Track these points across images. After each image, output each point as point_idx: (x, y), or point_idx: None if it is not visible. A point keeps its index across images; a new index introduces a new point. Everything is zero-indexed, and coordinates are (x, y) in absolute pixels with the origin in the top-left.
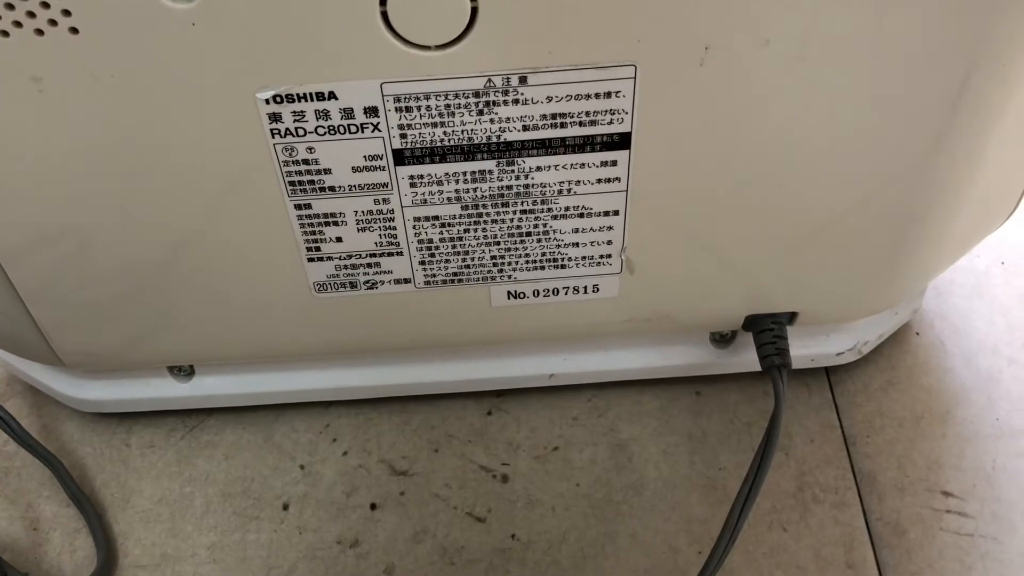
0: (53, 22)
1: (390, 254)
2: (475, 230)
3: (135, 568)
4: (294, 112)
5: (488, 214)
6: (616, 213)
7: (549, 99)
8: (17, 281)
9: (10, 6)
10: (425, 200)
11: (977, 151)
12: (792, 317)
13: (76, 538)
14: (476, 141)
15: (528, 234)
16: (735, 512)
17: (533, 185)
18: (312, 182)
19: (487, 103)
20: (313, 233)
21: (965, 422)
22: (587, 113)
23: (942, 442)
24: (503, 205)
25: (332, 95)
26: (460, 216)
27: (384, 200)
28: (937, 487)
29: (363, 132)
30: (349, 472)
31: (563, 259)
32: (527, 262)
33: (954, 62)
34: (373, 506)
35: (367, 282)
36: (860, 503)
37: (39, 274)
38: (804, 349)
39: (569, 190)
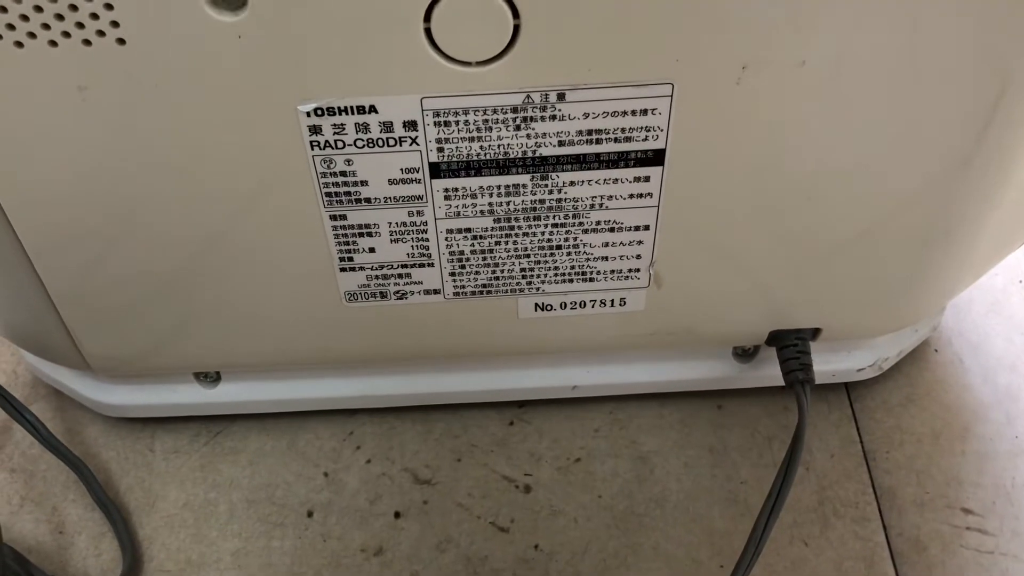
0: (101, 33)
1: (421, 265)
2: (506, 243)
3: (160, 573)
4: (334, 125)
5: (520, 227)
6: (646, 228)
7: (586, 115)
8: (49, 284)
9: (60, 17)
10: (458, 213)
11: (1005, 170)
12: (815, 333)
13: (101, 542)
14: (512, 155)
15: (558, 247)
16: (759, 526)
17: (566, 199)
18: (348, 194)
19: (524, 119)
20: (347, 243)
21: (984, 439)
22: (623, 130)
23: (961, 459)
24: (535, 219)
25: (373, 109)
26: (492, 229)
27: (418, 212)
28: (957, 504)
29: (401, 145)
30: (373, 480)
31: (592, 272)
32: (556, 275)
33: (987, 82)
34: (397, 514)
35: (397, 292)
36: (880, 518)
37: (72, 277)
38: (825, 365)
39: (601, 205)
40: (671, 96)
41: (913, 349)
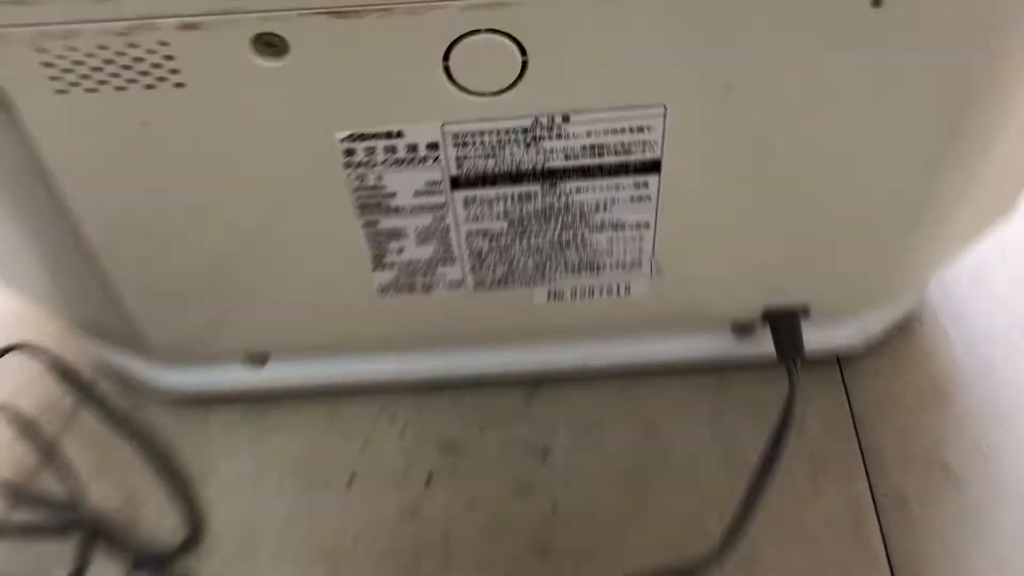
0: (163, 79)
1: (445, 262)
2: (520, 242)
3: (219, 536)
4: (366, 148)
5: (532, 228)
6: (647, 226)
7: (588, 134)
8: (120, 283)
9: (128, 67)
10: (477, 217)
11: (979, 159)
12: (806, 310)
13: (167, 508)
14: (523, 169)
15: (567, 244)
16: (753, 487)
17: (572, 204)
18: (379, 204)
19: (534, 138)
20: (379, 246)
21: (965, 405)
22: (622, 144)
23: (944, 423)
24: (545, 221)
25: (399, 134)
26: (507, 230)
27: (441, 218)
28: (937, 464)
29: (425, 163)
30: (406, 449)
31: (598, 265)
32: (566, 268)
33: (959, 84)
34: (428, 480)
35: (424, 285)
36: (867, 478)
37: (138, 277)
38: (817, 338)
39: (605, 207)
40: (664, 115)
41: (899, 322)
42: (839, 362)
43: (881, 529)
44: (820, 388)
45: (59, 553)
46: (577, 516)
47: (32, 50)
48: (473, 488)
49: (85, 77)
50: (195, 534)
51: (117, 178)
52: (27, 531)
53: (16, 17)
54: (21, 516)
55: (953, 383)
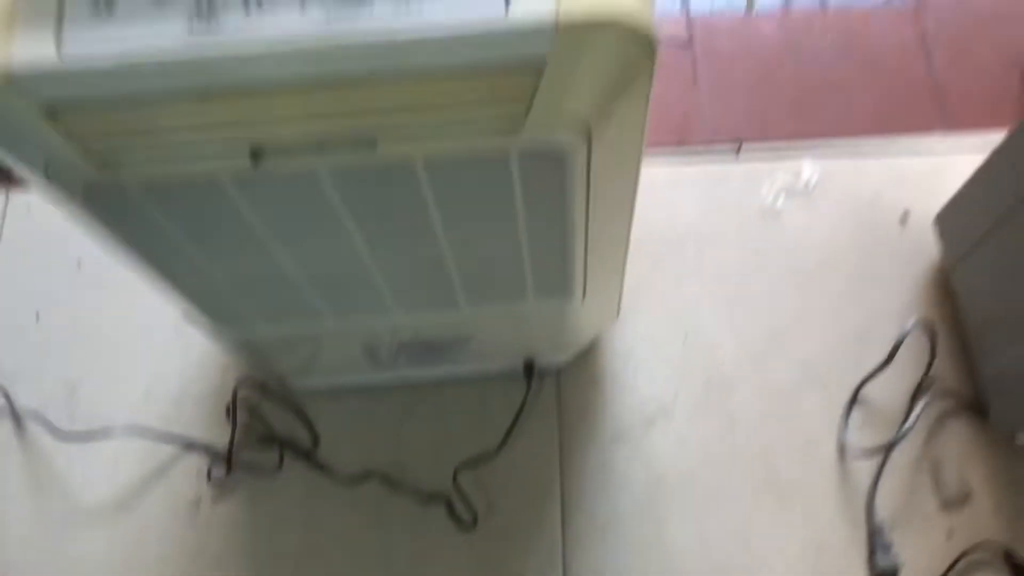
0: None
1: (394, 360)
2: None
3: (330, 442)
4: None
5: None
6: (467, 345)
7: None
8: (277, 361)
9: None
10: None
11: (578, 321)
12: (536, 359)
13: (304, 434)
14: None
15: (446, 349)
16: (512, 426)
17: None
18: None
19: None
20: (371, 347)
21: (607, 384)
22: (453, 334)
23: (595, 392)
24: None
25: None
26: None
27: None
28: (591, 411)
29: None
30: (388, 402)
31: (455, 356)
32: (446, 360)
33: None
34: (401, 423)
35: (386, 367)
36: (558, 419)
37: (286, 359)
38: (546, 361)
39: (447, 343)
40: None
41: (584, 351)
42: (556, 373)
43: (560, 446)
44: (547, 380)
45: (267, 451)
46: (457, 432)
47: None
48: (427, 412)
49: None
50: (315, 442)
51: (278, 346)
52: (254, 444)
53: None
54: (250, 439)
55: (604, 374)
